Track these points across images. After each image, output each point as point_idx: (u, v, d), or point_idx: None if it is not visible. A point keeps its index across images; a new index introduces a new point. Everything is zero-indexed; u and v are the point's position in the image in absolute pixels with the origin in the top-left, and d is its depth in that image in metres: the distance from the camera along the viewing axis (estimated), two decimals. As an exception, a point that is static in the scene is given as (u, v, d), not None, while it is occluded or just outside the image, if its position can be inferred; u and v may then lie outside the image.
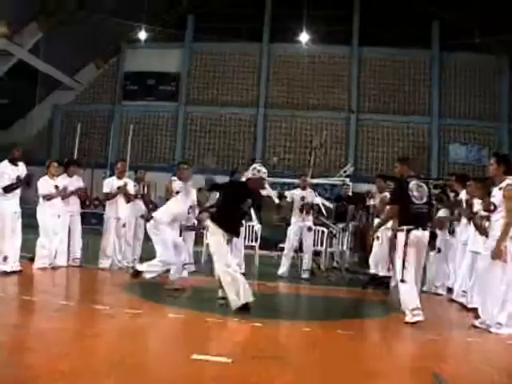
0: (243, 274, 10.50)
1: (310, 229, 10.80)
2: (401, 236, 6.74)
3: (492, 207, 6.50)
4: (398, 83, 24.61)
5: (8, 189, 8.38)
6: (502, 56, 23.44)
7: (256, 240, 12.04)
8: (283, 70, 25.31)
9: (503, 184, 6.43)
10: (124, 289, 7.85)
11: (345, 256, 12.94)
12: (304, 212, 10.63)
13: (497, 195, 6.46)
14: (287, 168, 24.34)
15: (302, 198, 10.70)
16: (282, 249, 11.28)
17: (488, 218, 7.04)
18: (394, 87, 24.63)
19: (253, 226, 11.91)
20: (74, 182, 10.02)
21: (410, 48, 24.15)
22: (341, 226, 12.80)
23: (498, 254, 6.26)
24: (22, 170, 8.73)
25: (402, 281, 6.60)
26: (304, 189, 10.84)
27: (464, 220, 8.58)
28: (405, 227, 6.72)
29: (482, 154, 23.61)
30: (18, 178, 8.57)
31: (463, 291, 8.13)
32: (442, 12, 23.31)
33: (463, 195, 8.69)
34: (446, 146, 24.10)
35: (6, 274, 8.04)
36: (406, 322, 6.46)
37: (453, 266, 9.41)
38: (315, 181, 19.15)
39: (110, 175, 11.55)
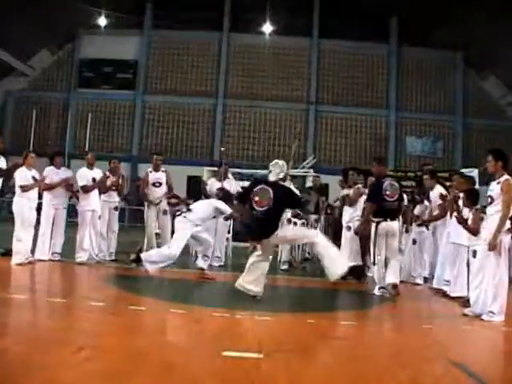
0: (222, 265, 10.62)
1: (289, 221, 10.80)
2: (373, 227, 8.07)
3: (489, 200, 6.69)
4: (357, 76, 25.00)
5: None
6: (457, 51, 24.17)
7: (229, 231, 11.95)
8: (243, 60, 25.25)
9: (502, 178, 6.60)
10: (112, 283, 7.67)
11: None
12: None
13: (495, 189, 6.63)
14: (247, 159, 24.35)
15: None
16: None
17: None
18: (353, 80, 24.99)
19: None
20: (62, 174, 9.68)
21: (369, 42, 24.56)
22: (313, 217, 12.85)
23: (493, 246, 6.44)
24: (3, 162, 8.40)
25: (374, 263, 8.10)
26: (283, 181, 10.79)
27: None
28: (375, 220, 8.04)
29: (437, 146, 24.35)
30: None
31: (446, 280, 8.33)
32: (400, 7, 23.71)
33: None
34: (402, 138, 24.68)
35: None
36: (373, 294, 7.94)
37: (428, 256, 9.75)
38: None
39: (68, 166, 10.99)
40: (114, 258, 10.28)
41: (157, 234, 11.51)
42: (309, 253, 12.95)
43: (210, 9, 24.51)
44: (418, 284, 9.63)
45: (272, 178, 7.02)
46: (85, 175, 9.82)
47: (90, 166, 10.00)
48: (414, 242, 9.90)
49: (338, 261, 6.84)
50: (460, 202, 8.03)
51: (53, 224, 9.59)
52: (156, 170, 10.78)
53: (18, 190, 8.94)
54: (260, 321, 5.76)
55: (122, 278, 8.53)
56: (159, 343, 4.71)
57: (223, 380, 3.81)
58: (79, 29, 25.18)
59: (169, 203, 10.74)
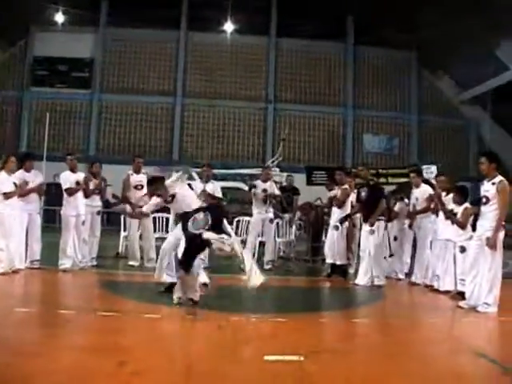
0: (208, 267, 10.55)
1: (271, 220, 10.89)
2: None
3: (484, 200, 6.99)
4: (314, 74, 25.31)
5: None
6: (412, 51, 24.88)
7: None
8: (201, 59, 25.10)
9: (496, 180, 6.92)
10: (111, 291, 7.49)
11: (292, 246, 13.21)
12: (268, 203, 10.70)
13: (490, 189, 6.93)
14: (206, 158, 24.20)
15: (264, 190, 10.75)
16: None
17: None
18: (310, 78, 25.28)
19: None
20: (32, 178, 9.28)
21: (326, 41, 24.92)
22: (287, 216, 12.95)
23: (493, 244, 6.75)
24: None
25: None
26: (266, 181, 10.90)
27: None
28: None
29: (393, 143, 25.00)
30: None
31: (436, 275, 8.63)
32: (356, 7, 24.14)
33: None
34: (359, 135, 25.18)
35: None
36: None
37: (409, 253, 10.12)
38: (246, 171, 19.35)
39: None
40: (95, 263, 10.06)
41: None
42: (284, 251, 13.10)
43: (167, 7, 24.18)
44: (399, 279, 9.95)
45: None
46: (68, 179, 9.54)
47: (73, 170, 9.73)
48: (395, 238, 10.23)
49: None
50: (449, 199, 8.38)
51: (27, 231, 9.15)
52: (137, 172, 10.68)
53: None
54: (278, 323, 5.81)
55: (117, 285, 8.33)
56: (197, 351, 4.69)
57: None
58: (32, 25, 24.32)
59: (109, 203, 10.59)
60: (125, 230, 11.65)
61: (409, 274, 9.87)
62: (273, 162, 19.62)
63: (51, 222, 15.38)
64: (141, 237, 10.59)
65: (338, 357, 4.55)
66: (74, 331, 5.07)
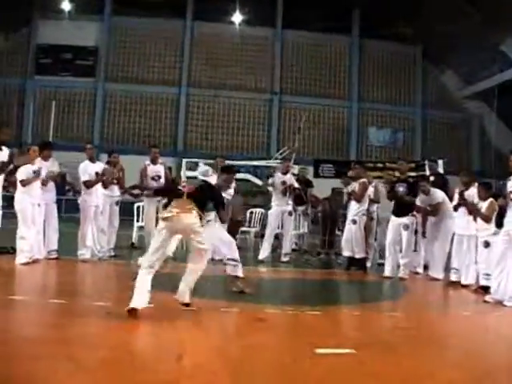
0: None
1: (290, 213, 10.90)
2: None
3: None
4: (320, 67, 25.32)
5: None
6: (417, 46, 24.92)
7: None
8: (206, 49, 25.00)
9: None
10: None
11: (304, 238, 13.25)
12: (287, 196, 10.70)
13: None
14: (210, 149, 24.24)
15: (284, 183, 10.75)
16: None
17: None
18: (316, 71, 25.29)
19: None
20: (50, 167, 9.18)
21: (332, 34, 24.90)
22: (300, 209, 12.95)
23: None
24: (5, 154, 7.95)
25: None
26: (285, 173, 10.90)
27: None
28: None
29: (397, 137, 25.07)
30: (1, 163, 7.81)
31: (455, 269, 8.67)
32: (363, 1, 24.14)
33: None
34: (364, 129, 25.22)
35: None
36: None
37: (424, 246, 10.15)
38: (254, 163, 19.36)
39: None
40: (113, 253, 10.01)
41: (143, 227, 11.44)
42: (296, 243, 13.13)
43: (173, -4, 24.13)
44: (417, 273, 10.00)
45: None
46: (87, 170, 9.47)
47: (92, 159, 9.67)
48: (424, 234, 10.21)
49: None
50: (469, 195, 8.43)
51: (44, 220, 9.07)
52: (154, 163, 10.59)
53: (19, 185, 8.49)
54: (315, 316, 5.82)
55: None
56: (248, 345, 4.68)
57: (332, 377, 3.87)
58: (35, 13, 24.10)
59: (132, 194, 10.53)
60: (138, 221, 11.70)
61: (426, 268, 9.92)
62: (280, 153, 19.64)
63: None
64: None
65: (388, 349, 4.57)
66: (123, 323, 5.03)
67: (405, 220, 9.06)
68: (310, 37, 25.04)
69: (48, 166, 9.13)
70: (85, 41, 24.23)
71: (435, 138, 25.17)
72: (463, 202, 8.60)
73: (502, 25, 20.19)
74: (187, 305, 5.54)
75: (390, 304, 7.09)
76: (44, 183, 8.87)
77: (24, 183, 8.44)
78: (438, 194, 9.56)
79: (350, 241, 10.22)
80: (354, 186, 10.55)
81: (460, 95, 24.94)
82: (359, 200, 10.20)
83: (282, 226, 11.01)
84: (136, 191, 10.71)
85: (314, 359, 4.24)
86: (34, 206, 8.60)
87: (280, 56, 25.17)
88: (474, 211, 8.22)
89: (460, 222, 8.68)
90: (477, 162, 24.54)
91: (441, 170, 17.47)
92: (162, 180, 10.46)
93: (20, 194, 8.46)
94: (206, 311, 5.79)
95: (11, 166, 8.18)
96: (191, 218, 5.53)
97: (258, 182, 18.29)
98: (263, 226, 13.06)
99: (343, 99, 25.28)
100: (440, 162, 17.91)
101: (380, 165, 19.69)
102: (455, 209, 8.91)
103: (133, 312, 5.10)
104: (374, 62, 25.52)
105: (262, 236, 13.46)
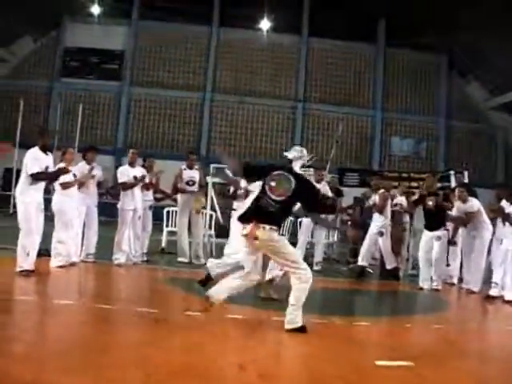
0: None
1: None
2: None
3: None
4: (344, 75, 25.30)
5: (39, 176, 7.58)
6: (442, 55, 24.82)
7: (210, 228, 11.81)
8: (232, 55, 25.08)
9: None
10: (179, 288, 7.49)
11: (334, 248, 13.26)
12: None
13: None
14: (234, 155, 24.24)
15: (316, 192, 10.72)
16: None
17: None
18: (340, 79, 25.27)
19: (209, 214, 11.72)
20: (94, 170, 9.28)
21: (357, 42, 24.89)
22: (330, 217, 12.92)
23: None
24: (51, 159, 8.00)
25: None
26: (319, 182, 10.87)
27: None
28: None
29: (420, 147, 24.96)
30: (47, 167, 7.84)
31: (495, 283, 8.60)
32: (388, 10, 24.08)
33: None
34: (387, 138, 25.13)
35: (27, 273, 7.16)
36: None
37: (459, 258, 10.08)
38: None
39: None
40: (145, 258, 10.03)
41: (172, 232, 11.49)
42: (325, 252, 13.10)
43: (200, 2, 24.22)
44: (453, 284, 9.94)
45: (296, 167, 5.70)
46: (125, 173, 9.56)
47: (132, 164, 9.74)
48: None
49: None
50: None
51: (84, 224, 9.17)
52: (190, 167, 10.68)
53: (57, 187, 8.51)
54: (364, 327, 5.83)
55: (183, 282, 8.26)
56: (307, 355, 4.70)
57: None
58: (64, 16, 24.36)
59: (155, 198, 10.57)
60: (167, 226, 11.75)
61: (461, 280, 9.85)
62: (308, 161, 19.56)
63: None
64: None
65: (445, 362, 4.58)
66: (174, 331, 5.03)
67: (438, 233, 9.04)
68: (335, 45, 25.05)
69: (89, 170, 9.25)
70: (112, 44, 24.44)
71: (459, 148, 25.01)
72: (503, 215, 8.55)
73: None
74: (302, 329, 5.17)
75: (434, 316, 7.05)
76: (79, 186, 8.95)
77: (64, 186, 8.50)
78: (475, 203, 9.48)
79: (369, 250, 10.24)
80: (375, 197, 10.52)
81: (485, 106, 24.77)
82: (381, 211, 10.19)
83: (312, 235, 11.03)
84: (159, 195, 10.77)
85: (376, 371, 4.24)
86: (73, 209, 8.66)
87: (305, 63, 25.19)
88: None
89: (504, 236, 8.62)
90: (501, 175, 24.33)
91: (466, 181, 17.36)
92: (196, 185, 10.55)
93: (59, 196, 8.52)
94: (255, 319, 5.79)
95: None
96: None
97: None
98: (292, 235, 13.10)
99: (367, 108, 25.24)
100: (465, 173, 17.78)
101: (405, 175, 19.54)
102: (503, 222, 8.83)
103: (207, 299, 5.33)
104: (398, 71, 25.46)
105: (291, 244, 13.53)
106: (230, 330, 5.31)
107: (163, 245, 11.71)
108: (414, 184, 17.10)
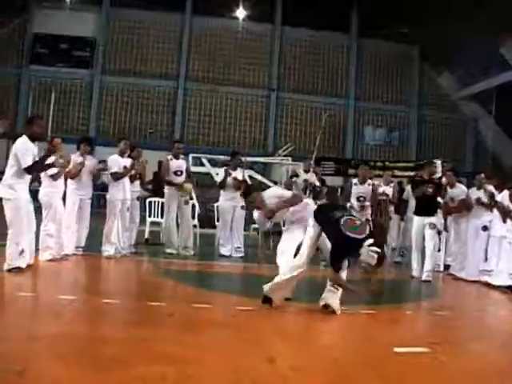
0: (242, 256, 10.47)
1: (310, 212, 10.94)
2: None
3: None
4: (317, 65, 25.41)
5: (34, 168, 7.28)
6: (415, 46, 25.13)
7: (194, 217, 11.75)
8: (205, 44, 24.90)
9: None
10: (177, 280, 7.42)
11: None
12: (307, 194, 10.72)
13: None
14: (207, 144, 24.19)
15: (305, 180, 10.78)
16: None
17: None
18: (314, 68, 25.38)
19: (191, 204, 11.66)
20: (87, 162, 9.03)
21: (330, 32, 24.98)
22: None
23: None
24: (36, 149, 7.70)
25: None
26: (307, 172, 10.93)
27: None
28: None
29: (392, 136, 25.30)
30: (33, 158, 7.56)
31: (488, 270, 8.80)
32: (361, 0, 24.26)
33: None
34: (360, 127, 25.39)
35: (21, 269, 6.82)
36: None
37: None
38: (261, 159, 19.34)
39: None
40: (134, 250, 9.85)
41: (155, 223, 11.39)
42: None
43: (172, -11, 23.94)
44: (438, 271, 10.11)
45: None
46: (117, 162, 9.36)
47: (123, 154, 9.54)
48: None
49: None
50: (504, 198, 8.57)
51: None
52: (176, 157, 10.53)
53: (45, 179, 8.16)
54: (370, 315, 5.87)
55: (180, 274, 8.16)
56: (328, 345, 4.74)
57: (424, 376, 3.95)
58: (32, 2, 23.69)
59: (146, 189, 10.49)
60: (150, 216, 11.62)
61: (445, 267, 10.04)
62: (283, 150, 19.66)
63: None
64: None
65: (460, 347, 4.70)
66: (192, 326, 4.98)
67: (432, 219, 9.13)
68: (308, 34, 25.10)
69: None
70: (82, 31, 23.93)
71: (430, 137, 25.47)
72: (496, 205, 8.73)
73: (502, 28, 20.49)
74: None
75: (431, 303, 7.17)
76: (71, 176, 8.73)
77: (53, 178, 8.25)
78: (463, 189, 9.65)
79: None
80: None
81: (456, 97, 25.25)
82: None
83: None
84: (150, 187, 10.65)
85: (397, 358, 4.31)
86: (61, 200, 8.42)
87: (278, 53, 25.21)
88: (506, 214, 8.38)
89: (494, 224, 8.81)
90: (470, 164, 24.89)
91: (439, 170, 17.71)
92: (184, 175, 10.43)
93: (47, 188, 8.24)
94: (264, 310, 5.76)
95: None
96: None
97: (261, 178, 18.26)
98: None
99: (340, 97, 25.42)
100: (438, 162, 18.12)
101: (380, 163, 19.85)
102: (491, 210, 9.01)
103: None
104: (371, 61, 25.71)
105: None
106: (246, 322, 5.29)
107: (146, 236, 11.58)
108: (389, 172, 17.35)
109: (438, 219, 9.19)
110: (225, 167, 10.98)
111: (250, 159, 19.85)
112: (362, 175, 10.65)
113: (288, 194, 6.32)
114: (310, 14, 24.00)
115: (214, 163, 17.21)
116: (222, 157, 19.13)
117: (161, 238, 11.68)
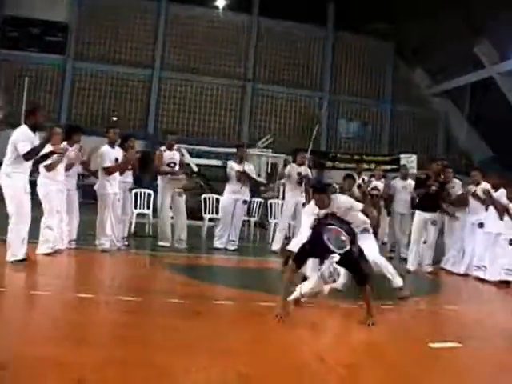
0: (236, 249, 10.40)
1: (304, 204, 10.97)
2: None
3: None
4: (293, 57, 25.43)
5: (32, 155, 7.07)
6: (389, 42, 25.42)
7: None
8: (181, 33, 24.53)
9: None
10: (182, 274, 7.40)
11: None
12: (301, 186, 10.78)
13: None
14: (182, 134, 23.89)
15: (299, 174, 10.82)
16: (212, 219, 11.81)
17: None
18: (289, 60, 25.40)
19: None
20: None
21: (307, 24, 24.99)
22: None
23: None
24: (37, 139, 7.48)
25: None
26: (301, 165, 10.98)
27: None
28: None
29: (366, 129, 25.64)
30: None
31: (481, 266, 9.03)
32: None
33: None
34: (334, 120, 25.59)
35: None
36: None
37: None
38: (224, 149, 19.22)
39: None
40: (126, 243, 9.61)
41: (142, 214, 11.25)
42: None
43: (148, -25, 23.49)
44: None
45: None
46: (108, 155, 9.11)
47: (112, 144, 9.31)
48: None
49: None
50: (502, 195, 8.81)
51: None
52: (170, 149, 10.40)
53: (42, 170, 7.92)
54: (393, 310, 6.01)
55: (184, 269, 8.11)
56: (370, 341, 4.83)
57: (465, 371, 4.08)
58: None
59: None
60: (136, 208, 11.44)
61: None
62: (263, 142, 19.64)
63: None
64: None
65: (488, 341, 4.87)
66: (226, 323, 4.97)
67: (434, 216, 9.33)
68: (285, 26, 25.04)
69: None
70: (55, 16, 23.16)
71: (402, 132, 25.91)
72: (493, 202, 8.96)
73: (476, 27, 20.95)
74: None
75: (438, 298, 7.33)
76: (67, 168, 8.51)
77: (49, 168, 8.02)
78: (458, 184, 9.91)
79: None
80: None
81: (428, 93, 25.71)
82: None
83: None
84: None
85: (436, 353, 4.43)
86: (59, 192, 8.22)
87: (255, 43, 25.10)
88: (502, 211, 8.62)
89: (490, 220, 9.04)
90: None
91: (414, 165, 18.07)
92: (177, 167, 10.32)
93: (44, 180, 7.99)
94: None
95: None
96: None
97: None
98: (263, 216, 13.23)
99: (315, 90, 25.55)
100: (413, 157, 18.49)
101: (357, 157, 20.05)
102: (486, 208, 9.23)
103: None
104: (347, 55, 25.92)
105: (262, 226, 13.60)
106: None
107: (133, 228, 11.41)
108: (366, 166, 17.52)
109: (439, 215, 9.38)
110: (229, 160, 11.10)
111: (220, 150, 19.83)
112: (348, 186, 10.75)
113: (359, 206, 6.36)
114: (288, 5, 23.91)
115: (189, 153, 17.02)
116: (197, 147, 19.12)
117: (147, 229, 11.59)
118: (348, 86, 25.87)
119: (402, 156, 18.67)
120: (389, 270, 6.32)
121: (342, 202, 6.16)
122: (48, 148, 7.54)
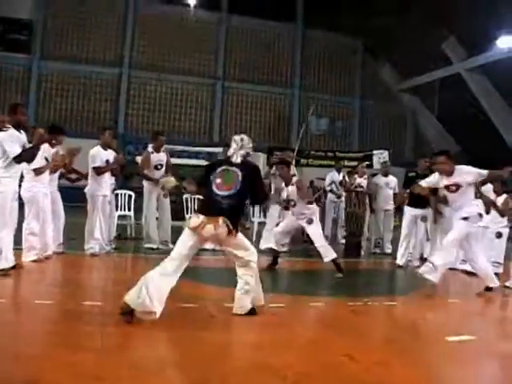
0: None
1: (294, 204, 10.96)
2: None
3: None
4: (263, 54, 25.39)
5: (24, 157, 6.78)
6: (357, 38, 25.67)
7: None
8: (150, 31, 24.14)
9: None
10: (185, 278, 7.16)
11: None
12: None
13: None
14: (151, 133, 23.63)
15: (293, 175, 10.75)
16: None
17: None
18: (259, 57, 25.37)
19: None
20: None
21: (276, 21, 25.03)
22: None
23: None
24: (25, 137, 7.23)
25: None
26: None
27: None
28: None
29: (336, 126, 25.83)
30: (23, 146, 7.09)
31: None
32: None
33: None
34: (305, 117, 25.65)
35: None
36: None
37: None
38: (195, 148, 19.15)
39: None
40: (113, 246, 9.43)
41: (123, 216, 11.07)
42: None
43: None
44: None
45: (238, 159, 5.17)
46: (99, 156, 8.94)
47: (105, 146, 9.12)
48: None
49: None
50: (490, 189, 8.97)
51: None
52: (158, 151, 10.24)
53: (28, 173, 7.66)
54: (392, 307, 6.06)
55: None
56: (392, 338, 4.86)
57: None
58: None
59: (68, 178, 10.01)
60: (117, 210, 11.23)
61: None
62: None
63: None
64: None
65: (503, 334, 4.94)
66: (242, 326, 4.91)
67: (424, 212, 9.43)
68: (254, 23, 24.98)
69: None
70: (18, 13, 22.47)
71: (371, 128, 26.21)
72: (482, 196, 9.10)
73: (444, 24, 21.33)
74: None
75: (437, 291, 7.34)
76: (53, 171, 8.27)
77: (38, 172, 7.79)
78: None
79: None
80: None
81: (397, 89, 26.07)
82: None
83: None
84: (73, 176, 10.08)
85: (453, 347, 4.48)
86: (45, 195, 7.98)
87: (224, 41, 24.98)
88: (490, 205, 8.78)
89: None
90: (409, 154, 25.80)
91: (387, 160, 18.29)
92: (164, 169, 10.17)
93: (30, 183, 7.70)
94: (294, 308, 5.78)
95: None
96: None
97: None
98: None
99: (285, 87, 25.61)
100: (386, 153, 18.70)
101: (331, 154, 20.18)
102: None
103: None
104: (316, 52, 26.06)
105: (241, 225, 13.50)
106: (291, 320, 5.27)
107: (115, 230, 11.18)
108: (341, 163, 17.58)
109: (428, 212, 9.48)
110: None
111: (191, 149, 19.68)
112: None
113: None
114: (257, 2, 23.87)
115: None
116: (168, 146, 18.88)
117: (129, 231, 11.41)
118: (318, 82, 26.04)
119: (374, 152, 18.84)
120: None
121: None
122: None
